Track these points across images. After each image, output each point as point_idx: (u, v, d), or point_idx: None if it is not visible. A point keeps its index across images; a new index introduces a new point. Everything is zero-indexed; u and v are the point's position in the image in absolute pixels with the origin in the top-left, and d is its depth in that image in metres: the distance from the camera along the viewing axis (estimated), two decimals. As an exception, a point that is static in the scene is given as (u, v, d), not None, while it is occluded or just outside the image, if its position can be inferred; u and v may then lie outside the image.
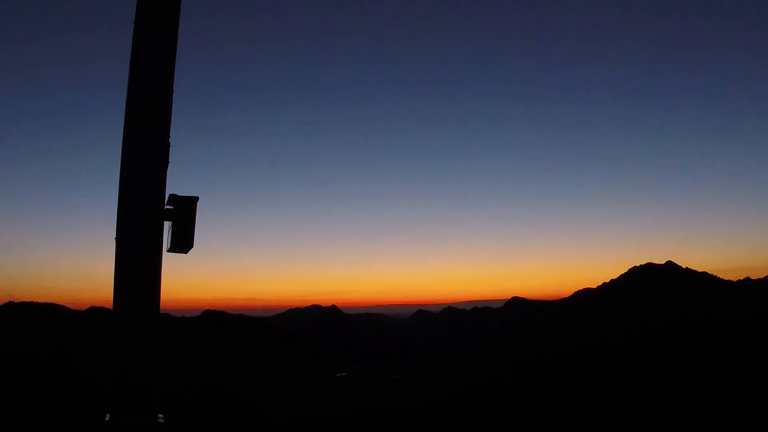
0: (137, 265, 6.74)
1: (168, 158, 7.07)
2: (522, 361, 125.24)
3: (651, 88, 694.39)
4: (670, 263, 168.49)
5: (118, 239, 6.80)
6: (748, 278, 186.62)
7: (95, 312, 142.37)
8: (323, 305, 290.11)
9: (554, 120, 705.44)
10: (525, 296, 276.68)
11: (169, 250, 7.03)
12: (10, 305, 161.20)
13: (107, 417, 6.51)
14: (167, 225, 6.99)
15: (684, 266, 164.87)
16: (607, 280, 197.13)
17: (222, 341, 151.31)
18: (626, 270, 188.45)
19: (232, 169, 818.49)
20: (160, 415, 6.64)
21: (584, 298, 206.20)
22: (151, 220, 6.85)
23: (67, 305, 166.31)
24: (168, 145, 7.07)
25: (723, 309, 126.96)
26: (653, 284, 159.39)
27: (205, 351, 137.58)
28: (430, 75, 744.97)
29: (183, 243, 6.99)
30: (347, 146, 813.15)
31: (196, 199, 7.06)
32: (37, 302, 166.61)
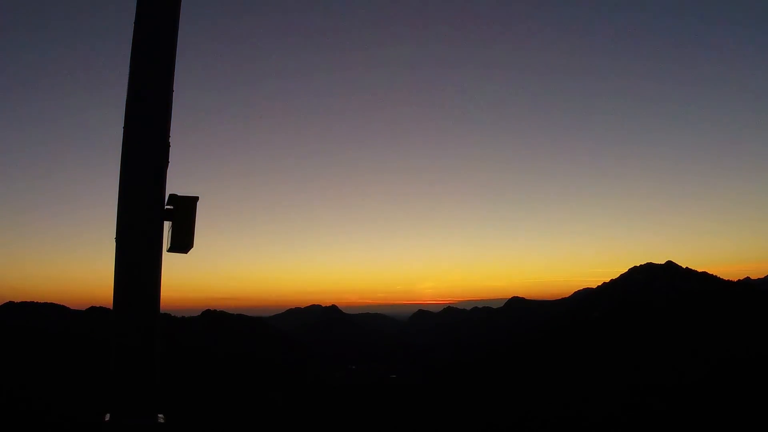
0: (137, 265, 6.73)
1: (168, 158, 7.06)
2: (522, 361, 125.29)
3: (651, 88, 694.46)
4: (670, 263, 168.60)
5: (118, 239, 6.79)
6: (748, 278, 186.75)
7: (95, 312, 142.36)
8: (323, 305, 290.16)
9: (554, 120, 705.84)
10: (525, 296, 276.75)
11: (169, 250, 7.02)
12: (10, 305, 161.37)
13: (107, 417, 6.50)
14: (167, 225, 6.99)
15: (684, 266, 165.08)
16: (607, 280, 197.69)
17: (222, 341, 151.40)
18: (626, 270, 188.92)
19: (232, 169, 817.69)
20: (160, 415, 6.63)
21: (584, 298, 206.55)
22: (151, 220, 6.84)
23: (67, 305, 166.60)
24: (168, 145, 7.07)
25: (723, 309, 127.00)
26: (653, 284, 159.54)
27: (205, 351, 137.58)
28: (432, 77, 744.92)
29: (183, 243, 6.98)
30: (347, 146, 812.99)
31: (196, 199, 7.05)
32: (37, 302, 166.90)
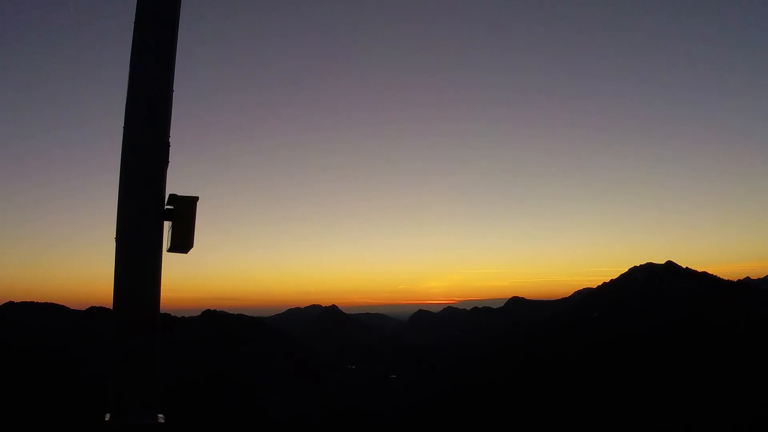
0: (137, 265, 6.71)
1: (168, 158, 7.05)
2: (522, 361, 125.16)
3: (651, 88, 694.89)
4: (670, 263, 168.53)
5: (118, 239, 6.78)
6: (748, 278, 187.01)
7: (95, 312, 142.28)
8: (323, 305, 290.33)
9: (554, 120, 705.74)
10: (525, 296, 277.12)
11: (169, 250, 6.99)
12: (10, 305, 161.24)
13: (107, 417, 6.49)
14: (167, 225, 6.97)
15: (684, 266, 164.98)
16: (607, 280, 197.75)
17: (222, 341, 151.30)
18: (626, 270, 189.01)
19: (232, 169, 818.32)
20: (160, 415, 6.62)
21: (584, 298, 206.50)
22: (151, 220, 6.83)
23: (67, 305, 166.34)
24: (168, 145, 7.05)
25: (723, 309, 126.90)
26: (653, 284, 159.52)
27: (205, 351, 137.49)
28: (433, 77, 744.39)
29: (183, 243, 6.95)
30: (347, 146, 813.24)
31: (196, 199, 7.03)
32: (37, 302, 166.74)
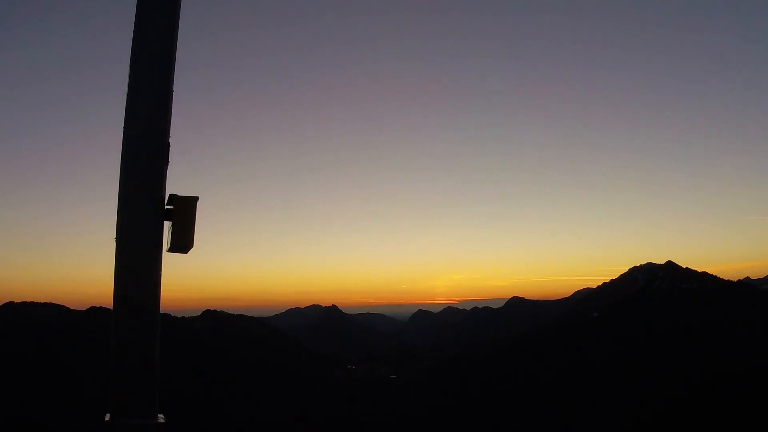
0: (137, 265, 6.73)
1: (168, 158, 7.07)
2: (522, 361, 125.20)
3: (651, 87, 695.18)
4: (670, 263, 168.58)
5: (118, 239, 6.80)
6: (748, 278, 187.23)
7: (95, 312, 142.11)
8: (323, 305, 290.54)
9: (553, 119, 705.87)
10: (525, 296, 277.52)
11: (169, 250, 7.01)
12: (10, 305, 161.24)
13: (107, 417, 6.50)
14: (167, 225, 6.99)
15: (684, 266, 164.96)
16: (607, 280, 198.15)
17: (222, 341, 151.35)
18: (626, 270, 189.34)
19: (232, 169, 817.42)
20: (160, 415, 6.64)
21: (584, 298, 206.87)
22: (151, 220, 6.85)
23: (67, 305, 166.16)
24: (168, 145, 7.07)
25: (723, 309, 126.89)
26: (653, 284, 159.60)
27: (205, 351, 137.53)
28: (433, 76, 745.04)
29: (183, 243, 6.98)
30: (347, 146, 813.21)
31: (196, 199, 7.05)
32: (37, 302, 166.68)
